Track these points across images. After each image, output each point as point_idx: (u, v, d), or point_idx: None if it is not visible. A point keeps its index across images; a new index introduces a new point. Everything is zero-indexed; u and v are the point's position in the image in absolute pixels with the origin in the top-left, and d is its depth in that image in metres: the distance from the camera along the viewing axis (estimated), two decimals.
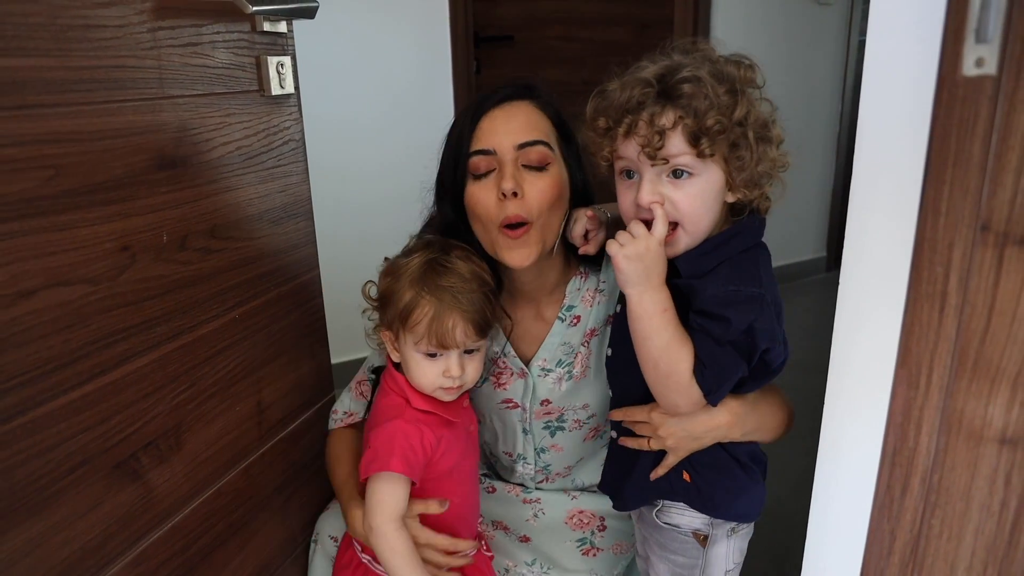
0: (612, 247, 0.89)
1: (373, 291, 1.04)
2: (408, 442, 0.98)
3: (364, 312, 1.07)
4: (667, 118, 0.85)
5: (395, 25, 2.54)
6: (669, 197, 0.88)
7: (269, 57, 1.04)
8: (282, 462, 1.14)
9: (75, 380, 0.78)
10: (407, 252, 1.04)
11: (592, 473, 1.29)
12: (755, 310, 0.87)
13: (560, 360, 1.16)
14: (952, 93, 0.52)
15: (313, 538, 1.20)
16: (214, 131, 0.95)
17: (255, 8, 0.94)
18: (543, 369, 1.17)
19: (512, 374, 1.18)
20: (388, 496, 0.97)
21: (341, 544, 1.15)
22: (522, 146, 1.02)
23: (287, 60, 1.08)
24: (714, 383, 0.89)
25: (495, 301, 1.03)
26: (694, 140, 0.85)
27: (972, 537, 0.58)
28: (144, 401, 0.87)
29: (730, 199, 0.90)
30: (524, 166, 1.03)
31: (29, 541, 0.74)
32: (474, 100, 1.08)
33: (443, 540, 1.04)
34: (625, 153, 0.89)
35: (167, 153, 0.88)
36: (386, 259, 1.06)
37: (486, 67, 2.91)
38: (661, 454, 1.01)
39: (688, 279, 0.91)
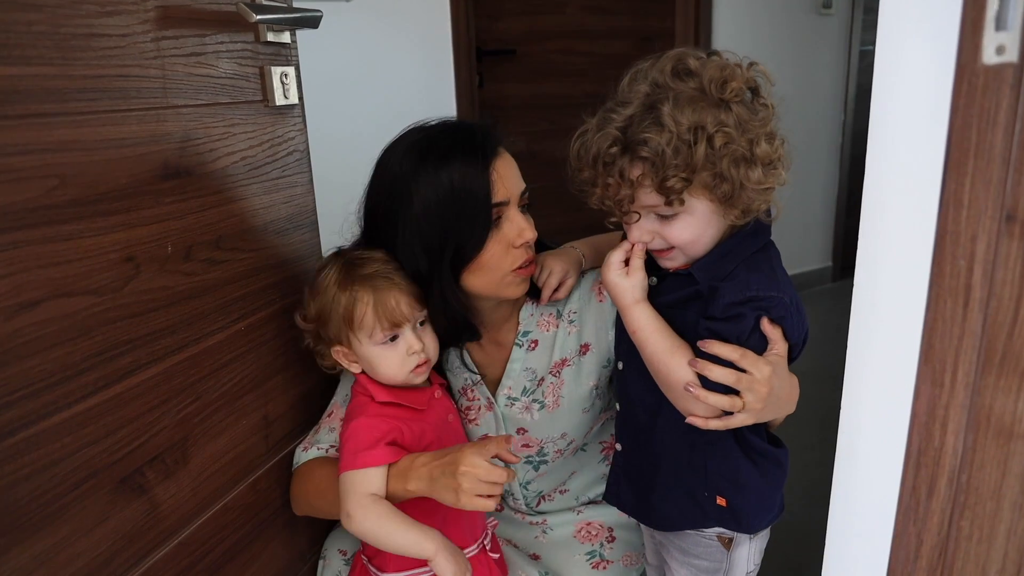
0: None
1: (307, 317, 1.03)
2: (371, 435, 0.97)
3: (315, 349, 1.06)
4: (634, 173, 0.86)
5: (398, 40, 2.55)
6: (659, 232, 0.90)
7: (273, 67, 1.04)
8: (290, 477, 1.12)
9: (79, 393, 0.76)
10: (319, 271, 1.02)
11: (588, 484, 1.27)
12: (769, 309, 0.87)
13: (524, 387, 1.14)
14: (972, 82, 0.51)
15: (321, 555, 1.18)
16: (218, 141, 0.95)
17: (258, 17, 0.93)
18: (509, 398, 1.15)
19: (481, 408, 1.16)
20: (356, 483, 0.95)
21: (352, 562, 1.13)
22: (524, 192, 1.04)
23: (291, 70, 1.08)
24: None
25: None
26: (662, 192, 0.85)
27: (1004, 538, 0.56)
28: (149, 414, 0.85)
29: (731, 219, 0.89)
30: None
31: (34, 558, 0.73)
32: (459, 148, 0.99)
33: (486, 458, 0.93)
34: (613, 204, 0.91)
35: (171, 163, 0.87)
36: (307, 288, 1.04)
37: (489, 81, 2.91)
38: (679, 471, 0.99)
39: (709, 284, 0.90)
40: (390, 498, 0.96)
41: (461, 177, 0.97)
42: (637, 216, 0.90)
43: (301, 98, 1.11)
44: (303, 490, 1.09)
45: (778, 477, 1.00)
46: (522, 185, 1.04)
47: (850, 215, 3.75)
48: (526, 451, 1.18)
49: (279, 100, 1.05)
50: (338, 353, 1.02)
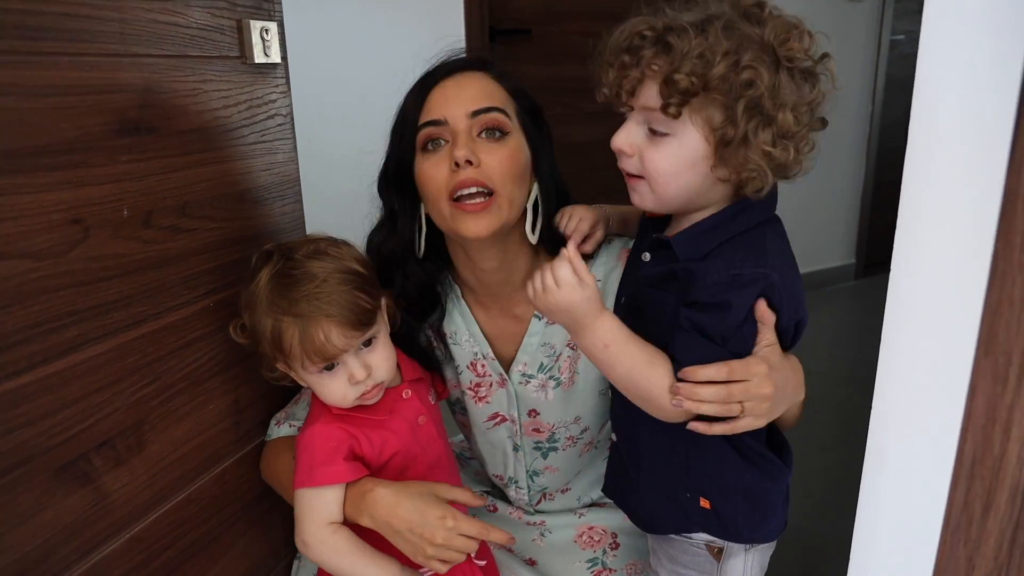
0: (529, 289, 0.81)
1: (242, 331, 0.91)
2: (327, 445, 0.88)
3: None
4: (645, 63, 0.77)
5: (406, 15, 2.46)
6: (641, 151, 0.80)
7: (252, 21, 0.95)
8: None
9: (11, 368, 0.68)
10: (253, 272, 0.89)
11: (592, 486, 1.19)
12: (759, 291, 0.77)
13: (542, 364, 1.05)
14: None
15: (297, 555, 1.10)
16: (187, 97, 0.86)
17: None
18: (524, 375, 1.06)
19: (492, 384, 1.07)
20: (315, 506, 0.87)
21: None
22: (476, 113, 0.93)
23: (273, 26, 0.99)
24: None
25: (369, 280, 0.89)
26: (667, 87, 0.75)
27: None
28: (97, 395, 0.77)
29: (718, 174, 0.78)
30: (482, 136, 0.93)
31: None
32: (426, 72, 0.98)
33: (473, 526, 0.88)
34: (618, 90, 0.82)
35: (130, 117, 0.79)
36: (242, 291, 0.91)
37: (502, 62, 2.81)
38: (660, 467, 0.90)
39: (686, 263, 0.80)
40: None
41: (406, 97, 0.98)
42: (630, 110, 0.80)
43: (285, 57, 1.03)
44: (268, 468, 1.02)
45: (775, 483, 0.89)
46: (477, 106, 0.93)
47: (876, 210, 3.62)
48: (536, 436, 1.10)
49: (259, 58, 0.96)
50: (283, 367, 0.91)
